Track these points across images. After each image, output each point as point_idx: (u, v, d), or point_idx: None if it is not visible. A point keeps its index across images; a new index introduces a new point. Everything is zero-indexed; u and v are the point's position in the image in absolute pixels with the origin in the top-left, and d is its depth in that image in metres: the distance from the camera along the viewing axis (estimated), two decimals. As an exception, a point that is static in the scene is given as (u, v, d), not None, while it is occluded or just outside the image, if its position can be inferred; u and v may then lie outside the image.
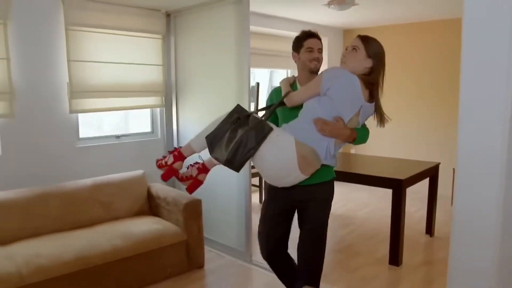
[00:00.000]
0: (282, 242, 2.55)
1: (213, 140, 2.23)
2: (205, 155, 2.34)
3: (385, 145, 6.30)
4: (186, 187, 2.40)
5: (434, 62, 5.87)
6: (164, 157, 2.43)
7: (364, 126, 2.33)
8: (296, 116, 2.26)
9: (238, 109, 2.29)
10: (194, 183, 2.39)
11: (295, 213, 2.53)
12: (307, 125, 2.14)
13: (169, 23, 4.32)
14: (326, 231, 2.44)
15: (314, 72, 2.43)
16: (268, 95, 2.65)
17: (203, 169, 2.38)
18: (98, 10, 3.79)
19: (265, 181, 2.59)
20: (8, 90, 3.36)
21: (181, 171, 2.39)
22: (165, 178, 2.39)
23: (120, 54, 4.00)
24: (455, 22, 5.59)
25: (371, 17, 5.62)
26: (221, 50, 3.85)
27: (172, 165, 2.36)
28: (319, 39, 2.45)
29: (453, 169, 5.30)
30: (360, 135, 2.25)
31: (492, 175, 1.71)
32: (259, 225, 2.59)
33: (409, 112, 6.18)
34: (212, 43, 3.93)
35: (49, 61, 3.59)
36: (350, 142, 2.25)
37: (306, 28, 2.48)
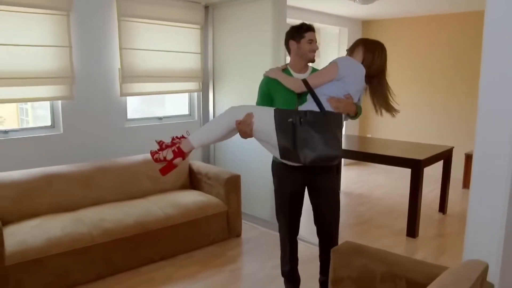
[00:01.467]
0: (299, 220, 2.79)
1: (292, 149, 2.29)
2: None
3: (400, 130, 6.67)
4: (159, 168, 2.38)
5: (447, 54, 6.20)
6: (159, 149, 2.39)
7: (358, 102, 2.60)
8: (294, 99, 2.49)
9: (285, 112, 2.34)
10: (168, 167, 2.36)
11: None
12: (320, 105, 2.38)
13: (207, 15, 4.69)
14: (339, 197, 2.71)
15: (311, 61, 2.67)
16: (259, 88, 2.72)
17: (179, 152, 2.35)
18: (145, 2, 4.17)
19: (273, 165, 2.77)
20: (70, 74, 3.77)
21: (160, 154, 2.36)
22: (164, 173, 2.38)
23: (163, 43, 4.39)
24: (469, 15, 5.90)
25: (389, 10, 5.95)
26: (256, 41, 4.22)
27: (172, 161, 2.35)
28: (315, 31, 2.67)
29: (465, 154, 5.68)
30: (359, 109, 2.57)
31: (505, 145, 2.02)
32: (278, 207, 2.77)
33: (423, 99, 6.53)
34: (248, 34, 4.31)
35: (103, 48, 3.99)
36: (350, 116, 2.52)
37: (307, 22, 2.65)
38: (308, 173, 2.59)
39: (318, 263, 2.82)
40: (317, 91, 2.40)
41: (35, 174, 3.44)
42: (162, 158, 2.35)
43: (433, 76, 6.40)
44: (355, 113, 2.51)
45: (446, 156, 4.58)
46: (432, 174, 5.49)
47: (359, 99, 2.54)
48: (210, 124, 2.49)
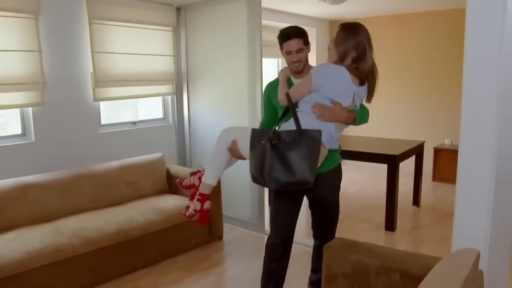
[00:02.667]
0: (293, 229, 2.54)
1: (258, 176, 2.22)
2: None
3: (370, 126, 6.81)
4: (197, 222, 2.55)
5: (414, 52, 6.40)
6: (187, 208, 2.54)
7: (362, 106, 2.40)
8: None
9: (261, 132, 2.28)
10: (202, 215, 2.52)
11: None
12: (305, 115, 2.22)
13: (179, 17, 4.63)
14: (339, 207, 2.63)
15: (298, 72, 2.47)
16: (264, 92, 2.67)
17: (203, 198, 2.50)
18: (117, 5, 4.07)
19: None
20: (40, 80, 3.63)
21: (190, 210, 2.52)
22: (203, 222, 2.55)
23: (136, 46, 4.30)
24: (436, 13, 6.12)
25: (356, 9, 6.07)
26: (231, 42, 4.21)
27: (202, 208, 2.51)
28: (299, 37, 2.39)
29: (434, 148, 5.88)
30: (359, 115, 2.33)
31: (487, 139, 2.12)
32: (273, 213, 2.52)
33: (391, 96, 6.71)
34: (222, 36, 4.29)
35: (75, 52, 3.87)
36: (351, 123, 2.33)
37: (285, 26, 2.46)
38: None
39: (304, 261, 2.83)
40: (301, 101, 2.27)
41: (8, 184, 3.29)
42: (194, 212, 2.50)
43: (402, 74, 6.59)
44: (353, 120, 2.31)
45: (418, 151, 4.73)
46: (402, 168, 5.64)
47: (360, 103, 2.36)
48: (212, 155, 2.50)
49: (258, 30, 3.92)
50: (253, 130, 2.30)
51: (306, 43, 2.45)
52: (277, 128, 2.31)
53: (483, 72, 2.03)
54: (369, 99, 2.37)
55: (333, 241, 2.34)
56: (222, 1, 4.20)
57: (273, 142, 2.16)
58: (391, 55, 6.62)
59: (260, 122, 2.84)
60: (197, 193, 2.52)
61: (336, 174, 2.55)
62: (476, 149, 2.08)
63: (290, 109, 2.27)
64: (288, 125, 2.25)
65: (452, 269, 1.68)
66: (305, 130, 2.16)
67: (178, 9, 4.62)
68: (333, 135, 2.27)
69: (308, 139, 2.13)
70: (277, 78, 2.57)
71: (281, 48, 2.45)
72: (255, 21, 3.95)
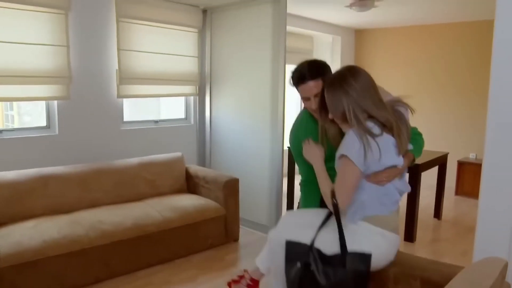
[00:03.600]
0: None
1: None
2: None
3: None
4: None
5: (440, 62, 6.30)
6: None
7: (413, 132, 2.05)
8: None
9: (294, 252, 1.91)
10: None
11: None
12: (364, 196, 1.87)
13: (205, 19, 4.67)
14: None
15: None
16: (292, 133, 2.26)
17: (254, 284, 2.27)
18: (144, 4, 4.13)
19: None
20: (67, 74, 3.69)
21: None
22: None
23: (161, 45, 4.35)
24: (463, 25, 6.02)
25: (381, 19, 6.02)
26: (255, 46, 4.21)
27: None
28: (316, 77, 1.96)
29: (458, 161, 5.75)
30: (416, 151, 2.00)
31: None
32: None
33: (416, 106, 6.59)
34: (247, 39, 4.29)
35: (101, 49, 3.93)
36: (412, 164, 2.02)
37: (297, 65, 2.08)
38: None
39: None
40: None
41: (30, 174, 3.34)
42: None
43: (426, 84, 6.48)
44: (413, 160, 1.99)
45: (441, 162, 4.62)
46: (425, 180, 5.52)
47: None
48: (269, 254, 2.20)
49: (283, 34, 3.91)
50: (287, 243, 1.92)
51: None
52: (313, 241, 1.87)
53: (510, 86, 1.97)
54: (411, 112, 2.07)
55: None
56: (248, 4, 4.21)
57: (310, 268, 1.80)
58: (417, 65, 6.53)
59: (300, 182, 2.37)
60: (248, 278, 2.27)
61: None
62: (501, 164, 2.03)
63: (335, 218, 1.85)
64: (329, 237, 1.87)
65: (477, 277, 1.61)
66: (352, 254, 1.81)
67: (204, 11, 4.65)
68: (401, 187, 1.95)
69: (353, 265, 1.78)
70: (299, 118, 2.23)
71: (297, 90, 2.05)
72: (280, 26, 3.94)
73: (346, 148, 1.78)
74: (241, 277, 2.27)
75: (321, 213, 2.09)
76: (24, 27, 3.41)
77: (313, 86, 1.96)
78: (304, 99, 2.03)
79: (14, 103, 5.16)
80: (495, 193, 2.08)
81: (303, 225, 2.02)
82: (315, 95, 1.98)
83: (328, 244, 1.87)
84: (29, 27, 3.44)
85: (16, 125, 4.27)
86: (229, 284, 2.31)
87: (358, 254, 1.82)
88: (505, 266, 1.73)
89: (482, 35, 5.81)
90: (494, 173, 2.09)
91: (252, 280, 2.22)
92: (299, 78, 1.99)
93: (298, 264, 1.82)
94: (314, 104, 2.00)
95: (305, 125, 2.19)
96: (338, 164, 1.83)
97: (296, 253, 1.90)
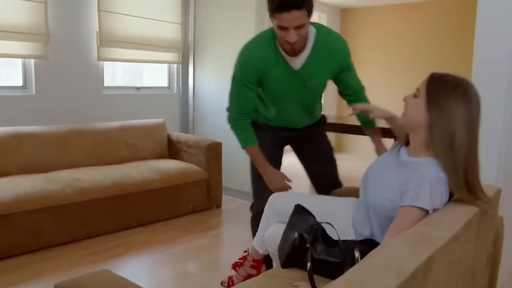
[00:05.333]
0: None
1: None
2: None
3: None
4: None
5: (426, 41, 6.31)
6: (230, 279, 2.17)
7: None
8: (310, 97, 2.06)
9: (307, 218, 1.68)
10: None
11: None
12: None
13: (189, -16, 4.57)
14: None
15: (289, 54, 1.89)
16: (239, 68, 2.02)
17: (257, 264, 2.06)
18: (126, -35, 4.02)
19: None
20: (44, 32, 3.56)
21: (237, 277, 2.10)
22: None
23: (143, 9, 4.23)
24: (449, 2, 6.03)
25: (369, -5, 6.01)
26: (239, 14, 4.12)
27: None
28: (300, 7, 1.68)
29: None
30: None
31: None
32: (256, 179, 2.23)
33: (403, 86, 6.60)
34: (231, 7, 4.20)
35: (81, 8, 3.80)
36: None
37: None
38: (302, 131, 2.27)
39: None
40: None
41: (3, 132, 3.21)
42: (241, 278, 2.08)
43: (412, 63, 6.48)
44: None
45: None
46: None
47: None
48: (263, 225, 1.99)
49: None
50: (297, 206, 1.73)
51: (310, 13, 1.75)
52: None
53: (492, 64, 1.96)
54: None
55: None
56: (233, -32, 4.13)
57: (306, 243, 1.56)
58: (403, 44, 6.53)
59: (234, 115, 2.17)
60: (250, 260, 2.06)
61: (322, 123, 2.36)
62: (485, 135, 2.00)
63: None
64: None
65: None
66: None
67: (189, -24, 4.56)
68: None
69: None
70: (260, 37, 2.01)
71: (273, 17, 1.76)
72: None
73: (426, 201, 1.31)
74: (244, 258, 2.12)
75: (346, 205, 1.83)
76: (-1, -20, 3.27)
77: (298, 16, 1.69)
78: (281, 28, 1.74)
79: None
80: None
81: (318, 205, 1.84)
82: (296, 27, 1.73)
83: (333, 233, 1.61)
84: (4, -21, 3.30)
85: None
86: (233, 267, 2.14)
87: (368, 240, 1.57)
88: (498, 191, 1.68)
89: (467, 12, 5.83)
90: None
91: (254, 260, 2.05)
92: (281, 6, 1.68)
93: (296, 234, 1.60)
94: (293, 37, 1.74)
95: (274, 58, 1.94)
96: (404, 211, 1.35)
97: (299, 220, 1.67)
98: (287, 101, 2.09)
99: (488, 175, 2.00)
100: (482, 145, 2.02)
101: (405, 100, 1.50)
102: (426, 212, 1.30)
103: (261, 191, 2.17)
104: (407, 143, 1.56)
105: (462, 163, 1.32)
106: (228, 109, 2.18)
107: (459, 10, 5.93)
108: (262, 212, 2.00)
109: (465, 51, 5.87)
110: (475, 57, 2.02)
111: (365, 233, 1.61)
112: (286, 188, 2.14)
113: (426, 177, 1.33)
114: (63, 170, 3.32)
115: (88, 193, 3.04)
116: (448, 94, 1.37)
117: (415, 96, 1.46)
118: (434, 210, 1.32)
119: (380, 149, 2.09)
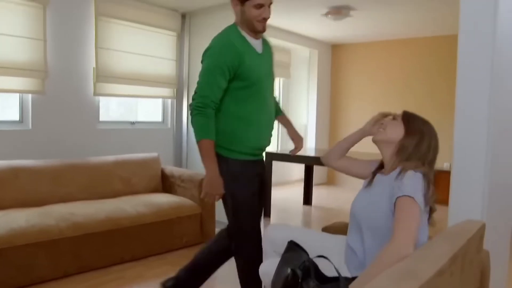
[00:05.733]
0: None
1: None
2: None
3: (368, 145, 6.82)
4: None
5: (415, 76, 6.49)
6: None
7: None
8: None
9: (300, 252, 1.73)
10: None
11: None
12: (424, 237, 1.70)
13: (184, 23, 4.73)
14: None
15: (260, 32, 2.07)
16: (217, 55, 2.02)
17: None
18: (124, 4, 4.17)
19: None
20: (42, 68, 3.66)
21: None
22: None
23: (139, 46, 4.37)
24: (438, 39, 6.25)
25: (358, 33, 6.21)
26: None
27: None
28: None
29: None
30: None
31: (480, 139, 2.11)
32: (248, 197, 2.18)
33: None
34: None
35: (79, 46, 3.92)
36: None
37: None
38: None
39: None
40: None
41: (1, 166, 3.24)
42: None
43: (403, 97, 6.64)
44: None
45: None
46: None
47: None
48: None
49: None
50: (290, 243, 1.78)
51: None
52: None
53: (475, 98, 2.08)
54: None
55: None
56: (226, 8, 4.29)
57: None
58: (393, 79, 6.71)
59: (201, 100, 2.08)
60: None
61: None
62: (467, 168, 2.10)
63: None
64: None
65: (453, 234, 1.61)
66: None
67: (183, 15, 4.72)
68: None
69: None
70: (227, 30, 2.13)
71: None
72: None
73: (412, 189, 1.59)
74: None
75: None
76: (1, 18, 3.38)
77: None
78: (257, 6, 1.92)
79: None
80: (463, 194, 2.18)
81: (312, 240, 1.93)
82: (269, 4, 1.94)
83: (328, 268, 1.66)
84: (6, 18, 3.41)
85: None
86: None
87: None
88: (482, 226, 1.74)
89: (457, 48, 6.03)
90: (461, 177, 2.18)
91: None
92: None
93: (289, 270, 1.64)
94: (268, 13, 1.94)
95: (246, 44, 2.07)
96: (398, 205, 1.58)
97: (292, 256, 1.73)
98: (265, 90, 2.14)
99: (473, 210, 2.07)
100: (466, 181, 2.12)
101: (383, 122, 1.89)
102: (413, 198, 1.55)
103: (254, 208, 2.18)
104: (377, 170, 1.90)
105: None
106: (195, 97, 2.09)
107: (450, 46, 6.14)
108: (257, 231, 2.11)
109: (455, 85, 6.03)
110: (457, 94, 2.13)
111: (358, 249, 1.76)
112: (217, 199, 2.12)
113: (405, 174, 1.65)
114: (57, 204, 3.34)
115: (81, 228, 3.05)
116: (419, 118, 1.86)
117: (394, 119, 1.87)
118: (425, 205, 1.61)
119: (293, 133, 2.37)
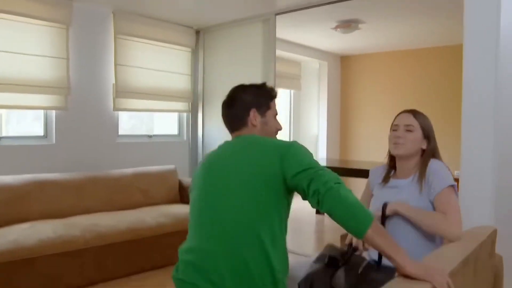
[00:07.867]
0: None
1: None
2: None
3: (374, 156, 6.87)
4: None
5: (424, 86, 6.58)
6: None
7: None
8: None
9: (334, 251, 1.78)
10: None
11: None
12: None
13: (198, 39, 4.89)
14: None
15: None
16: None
17: None
18: (141, 23, 4.33)
19: None
20: (65, 85, 3.82)
21: None
22: None
23: (156, 62, 4.53)
24: (446, 48, 6.35)
25: (366, 44, 6.33)
26: (246, 65, 4.41)
27: None
28: None
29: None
30: None
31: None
32: None
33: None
34: (238, 58, 4.50)
35: (99, 63, 4.09)
36: None
37: (268, 84, 1.91)
38: None
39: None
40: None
41: (27, 179, 3.40)
42: None
43: (411, 106, 6.69)
44: None
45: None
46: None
47: None
48: None
49: (273, 52, 4.11)
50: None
51: None
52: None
53: (481, 106, 2.18)
54: None
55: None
56: (239, 24, 4.45)
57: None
58: (402, 89, 6.80)
59: None
60: None
61: None
62: (477, 178, 2.20)
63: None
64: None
65: (465, 239, 1.68)
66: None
67: (198, 32, 4.88)
68: None
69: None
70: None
71: (268, 108, 1.78)
72: (270, 42, 4.16)
73: (448, 178, 1.78)
74: None
75: None
76: (27, 39, 3.56)
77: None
78: (275, 116, 1.81)
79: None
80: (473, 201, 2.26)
81: None
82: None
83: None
84: (32, 39, 3.59)
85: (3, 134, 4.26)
86: None
87: None
88: (494, 231, 1.83)
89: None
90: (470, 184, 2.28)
91: None
92: (276, 92, 1.87)
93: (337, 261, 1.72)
94: (280, 124, 1.85)
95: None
96: (444, 196, 1.74)
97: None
98: None
99: (484, 215, 2.15)
100: (475, 188, 2.20)
101: (400, 136, 1.95)
102: (453, 187, 1.74)
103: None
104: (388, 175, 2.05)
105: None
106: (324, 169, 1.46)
107: (459, 56, 6.22)
108: None
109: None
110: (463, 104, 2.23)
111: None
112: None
113: (433, 169, 1.81)
114: (80, 216, 3.48)
115: (105, 238, 3.18)
116: (429, 120, 2.05)
117: (409, 131, 1.95)
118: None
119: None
